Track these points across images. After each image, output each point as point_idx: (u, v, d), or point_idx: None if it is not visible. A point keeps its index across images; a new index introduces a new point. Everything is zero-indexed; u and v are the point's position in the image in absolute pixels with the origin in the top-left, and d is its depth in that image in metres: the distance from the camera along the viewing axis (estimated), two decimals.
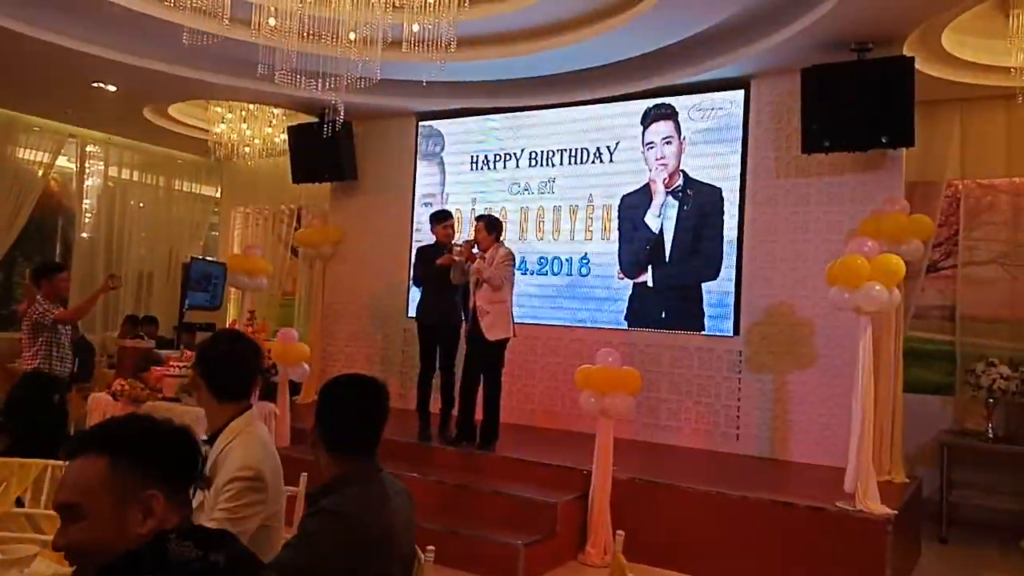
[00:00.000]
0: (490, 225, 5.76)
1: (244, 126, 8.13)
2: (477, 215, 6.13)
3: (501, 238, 5.90)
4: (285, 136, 8.25)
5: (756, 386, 6.09)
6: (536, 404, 7.02)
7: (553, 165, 7.11)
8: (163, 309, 9.15)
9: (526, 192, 7.23)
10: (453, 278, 5.80)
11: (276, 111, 8.16)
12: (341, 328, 8.07)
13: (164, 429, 1.27)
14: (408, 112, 7.75)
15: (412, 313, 7.12)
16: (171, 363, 5.89)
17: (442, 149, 7.75)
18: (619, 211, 6.76)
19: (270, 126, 8.27)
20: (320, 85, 5.24)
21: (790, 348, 5.96)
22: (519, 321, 6.23)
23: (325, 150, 7.73)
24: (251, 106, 7.99)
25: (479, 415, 5.77)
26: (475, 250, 5.72)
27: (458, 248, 5.76)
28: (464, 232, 7.22)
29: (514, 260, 5.83)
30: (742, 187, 6.22)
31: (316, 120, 7.74)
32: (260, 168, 9.26)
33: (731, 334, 6.22)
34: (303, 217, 9.09)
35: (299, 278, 9.08)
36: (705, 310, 6.33)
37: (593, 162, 6.92)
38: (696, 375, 6.34)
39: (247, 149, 8.36)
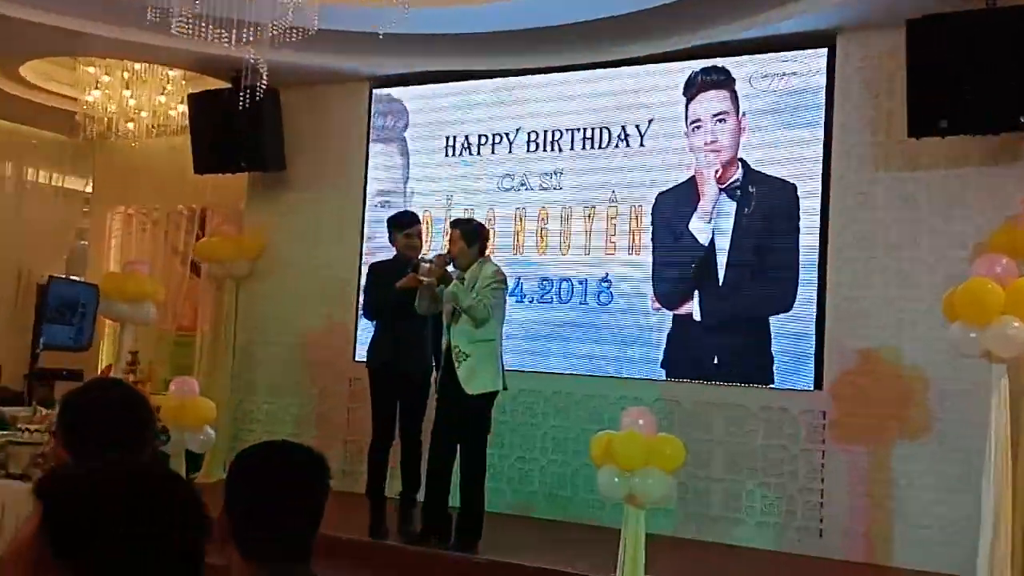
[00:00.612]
0: (470, 234, 5.77)
1: (127, 93, 8.14)
2: (453, 220, 6.13)
3: (487, 252, 5.90)
4: (184, 108, 8.26)
5: (846, 462, 6.08)
6: (536, 486, 6.97)
7: (561, 151, 7.13)
8: (8, 349, 9.07)
9: (523, 188, 7.24)
10: (419, 307, 5.79)
11: (172, 73, 8.18)
12: (261, 377, 8.02)
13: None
14: (358, 76, 7.77)
15: (361, 356, 7.08)
16: (20, 425, 5.85)
17: (405, 128, 7.77)
18: (653, 216, 6.77)
19: (163, 93, 8.28)
20: (234, 37, 5.26)
21: (894, 409, 5.96)
22: (512, 368, 6.19)
23: (240, 128, 7.75)
24: (137, 66, 8.01)
25: (454, 502, 5.75)
26: (451, 268, 5.72)
27: (427, 265, 5.75)
28: (435, 243, 7.21)
29: (505, 283, 5.82)
30: (825, 183, 6.25)
31: (228, 86, 7.76)
32: (149, 152, 9.23)
33: (811, 388, 6.22)
34: (208, 221, 9.10)
35: (202, 306, 9.06)
36: (774, 354, 6.33)
37: (617, 147, 6.94)
38: (762, 446, 6.31)
39: (130, 125, 8.36)
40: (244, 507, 2.19)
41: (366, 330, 7.12)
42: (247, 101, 7.00)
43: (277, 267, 8.15)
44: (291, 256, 8.07)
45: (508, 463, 7.02)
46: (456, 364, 5.63)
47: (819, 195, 6.27)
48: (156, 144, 9.01)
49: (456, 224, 5.95)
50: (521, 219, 7.23)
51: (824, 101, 6.29)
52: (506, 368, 5.88)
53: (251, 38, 5.39)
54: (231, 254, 8.13)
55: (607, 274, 6.90)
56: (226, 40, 5.34)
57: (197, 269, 9.12)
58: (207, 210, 9.17)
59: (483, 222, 6.26)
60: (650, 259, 6.77)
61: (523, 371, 6.84)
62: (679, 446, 5.16)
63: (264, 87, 6.50)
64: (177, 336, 9.29)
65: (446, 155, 7.58)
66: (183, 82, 8.26)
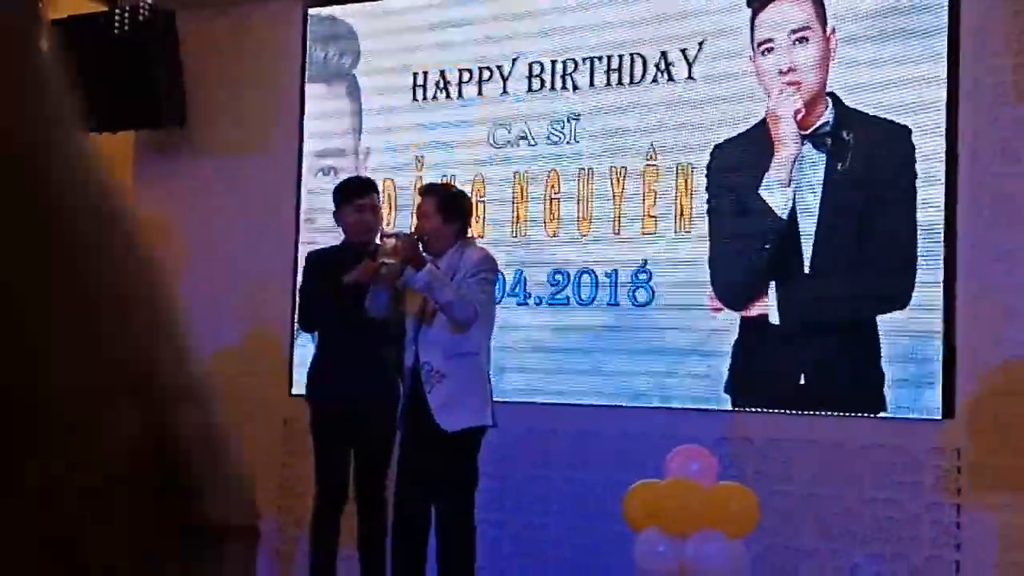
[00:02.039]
0: (449, 204, 5.84)
1: None
2: (424, 186, 6.16)
3: (469, 231, 5.96)
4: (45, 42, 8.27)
5: (992, 522, 6.06)
6: (549, 562, 6.98)
7: (577, 89, 7.16)
8: None
9: (524, 143, 7.28)
10: (372, 307, 5.86)
11: None
12: None
13: None
14: None
15: (299, 387, 7.10)
16: None
17: (355, 62, 7.83)
18: (709, 178, 6.80)
19: None
20: None
21: None
22: (512, 400, 6.21)
23: (121, 69, 7.79)
24: None
25: None
26: (421, 249, 5.77)
27: (390, 241, 5.77)
28: (401, 223, 7.23)
29: (496, 272, 5.89)
30: (951, 125, 6.25)
31: (102, 9, 7.81)
32: None
33: (938, 417, 6.22)
34: None
35: None
36: (885, 370, 6.34)
37: (655, 81, 6.97)
38: (871, 498, 6.31)
39: None
40: None
41: (307, 350, 7.13)
42: (129, 28, 7.05)
43: (177, 265, 8.13)
44: (197, 246, 8.09)
45: (510, 531, 7.01)
46: (426, 388, 5.68)
47: (943, 141, 6.27)
48: None
49: (429, 191, 6.00)
50: (522, 187, 7.26)
51: (947, 8, 6.29)
52: (501, 398, 5.93)
53: None
54: None
55: (645, 262, 6.92)
56: None
57: None
58: None
59: (463, 190, 6.29)
60: (706, 239, 6.79)
61: (529, 403, 6.86)
62: (751, 500, 5.18)
63: (151, 6, 6.54)
64: None
65: (414, 99, 7.63)
66: (39, 5, 8.32)
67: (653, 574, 5.31)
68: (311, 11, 7.95)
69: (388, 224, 7.00)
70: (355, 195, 6.24)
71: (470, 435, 5.71)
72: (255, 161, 8.03)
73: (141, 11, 6.56)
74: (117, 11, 6.76)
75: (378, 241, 6.03)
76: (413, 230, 5.98)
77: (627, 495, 5.33)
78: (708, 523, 5.11)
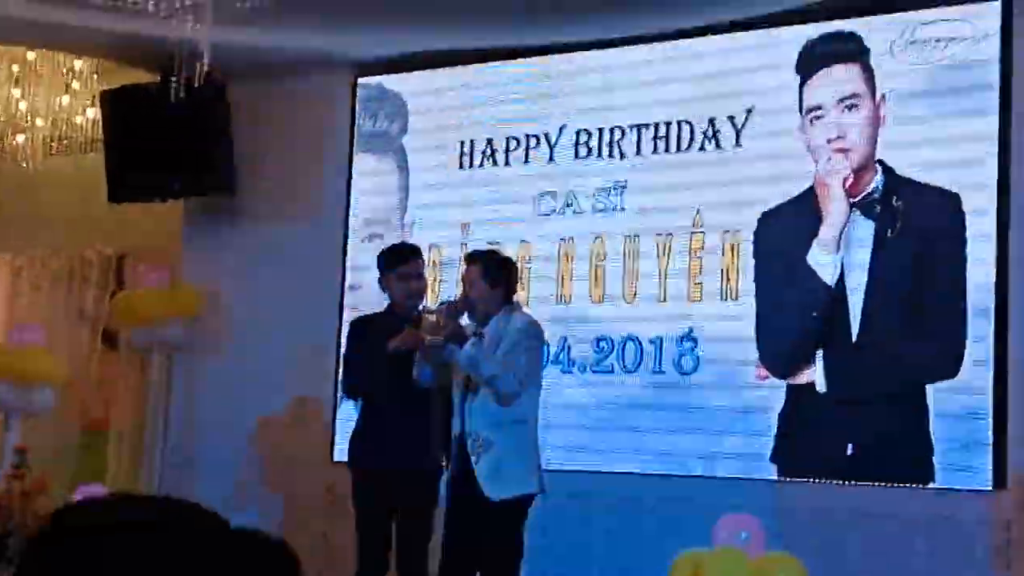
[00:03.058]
0: (494, 270, 5.82)
1: (15, 93, 8.28)
2: (469, 253, 6.16)
3: (514, 296, 5.92)
4: (95, 112, 8.37)
5: None
6: None
7: (623, 157, 7.18)
8: None
9: (570, 210, 7.29)
10: (419, 377, 5.83)
11: (78, 64, 8.32)
12: (201, 487, 7.97)
13: None
14: (336, 61, 7.89)
15: (341, 454, 7.07)
16: None
17: (403, 131, 7.87)
18: (756, 245, 6.78)
19: (66, 92, 8.42)
20: (163, 8, 5.36)
21: None
22: (553, 467, 6.15)
23: (173, 136, 7.86)
24: (30, 55, 8.16)
25: None
26: (465, 320, 5.77)
27: (432, 318, 5.76)
28: (446, 292, 7.22)
29: (542, 339, 5.84)
30: (1002, 193, 6.21)
31: (156, 80, 7.88)
32: (46, 175, 9.36)
33: (989, 487, 6.13)
34: (128, 271, 9.18)
35: (119, 391, 9.11)
36: (935, 440, 6.26)
37: (703, 149, 6.97)
38: (919, 571, 6.22)
39: (20, 139, 8.49)
40: None
41: (350, 417, 7.11)
42: (182, 98, 7.11)
43: (225, 331, 8.20)
44: (244, 315, 8.15)
45: None
46: (473, 458, 5.63)
47: (994, 210, 6.23)
48: (56, 164, 9.12)
49: (474, 258, 5.98)
50: (568, 254, 7.26)
51: (999, 76, 6.27)
52: (543, 466, 5.86)
53: (187, 8, 5.49)
54: (160, 314, 8.20)
55: (691, 330, 6.88)
56: (155, 12, 5.44)
57: (113, 339, 9.18)
58: (126, 256, 9.27)
59: (508, 256, 6.28)
60: (753, 308, 6.75)
61: (571, 471, 6.78)
62: (799, 570, 5.09)
63: (205, 77, 6.59)
64: (84, 432, 9.32)
65: (460, 167, 7.67)
66: (94, 76, 8.40)
67: None
68: (361, 80, 8.00)
69: (432, 294, 7.00)
70: (401, 261, 6.22)
71: (516, 503, 5.65)
72: (302, 229, 8.06)
73: (196, 82, 6.59)
74: (172, 80, 6.81)
75: (423, 308, 6.01)
76: (458, 298, 5.96)
77: (674, 564, 5.23)
78: None
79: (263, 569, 1.58)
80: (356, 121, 8.00)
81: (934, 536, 6.23)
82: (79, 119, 8.43)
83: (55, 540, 1.39)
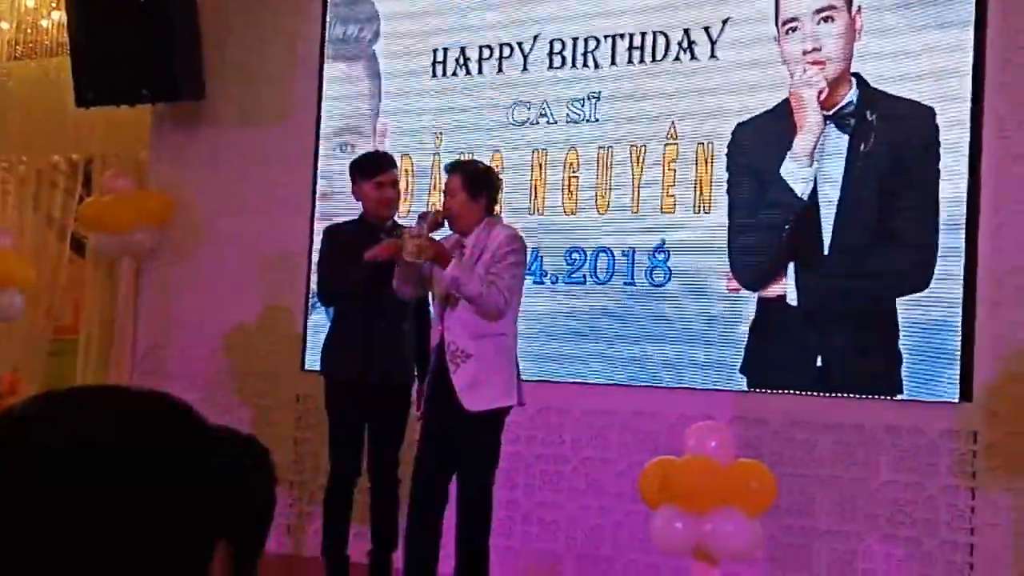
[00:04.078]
0: (477, 181, 5.77)
1: None
2: (451, 163, 6.12)
3: (496, 208, 5.89)
4: (60, 15, 8.23)
5: (1008, 506, 6.03)
6: (564, 543, 6.97)
7: (597, 67, 7.13)
8: None
9: (543, 121, 7.25)
10: (399, 288, 5.78)
11: None
12: (173, 393, 8.01)
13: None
14: None
15: (314, 362, 7.07)
16: None
17: (375, 38, 7.79)
18: (730, 157, 6.77)
19: None
20: None
21: None
22: (527, 378, 6.15)
23: (140, 40, 7.77)
24: None
25: (446, 567, 5.77)
26: (447, 227, 5.73)
27: (413, 240, 5.64)
28: (418, 203, 7.21)
29: (525, 251, 5.83)
30: (976, 107, 6.21)
31: None
32: (10, 81, 9.26)
33: (956, 400, 6.18)
34: (96, 176, 9.13)
35: (88, 297, 9.09)
36: (904, 353, 6.31)
37: (677, 59, 6.93)
38: (887, 483, 6.29)
39: None
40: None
41: (320, 326, 7.11)
42: (149, 2, 7.00)
43: (193, 238, 8.17)
44: (213, 222, 8.11)
45: (523, 511, 6.99)
46: (451, 368, 5.62)
47: (968, 124, 6.22)
48: (21, 69, 8.99)
49: (456, 168, 5.90)
50: (540, 165, 7.24)
51: None
52: (523, 375, 5.87)
53: None
54: (129, 220, 8.14)
55: (663, 242, 6.89)
56: None
57: (81, 246, 9.17)
58: (94, 161, 9.20)
59: (490, 166, 6.26)
60: (725, 220, 6.76)
61: (544, 381, 6.81)
62: (768, 477, 5.15)
63: None
64: (54, 339, 9.33)
65: (433, 75, 7.60)
66: None
67: (670, 551, 5.27)
68: None
69: (404, 203, 6.97)
70: (376, 170, 6.20)
71: (493, 415, 5.66)
72: (272, 135, 8.00)
73: None
74: None
75: (401, 235, 5.92)
76: (439, 208, 5.91)
77: (644, 472, 5.28)
78: (725, 500, 5.06)
79: (234, 460, 1.56)
80: (327, 27, 7.92)
81: (900, 447, 6.29)
82: (44, 22, 8.31)
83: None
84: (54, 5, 8.30)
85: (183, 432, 1.29)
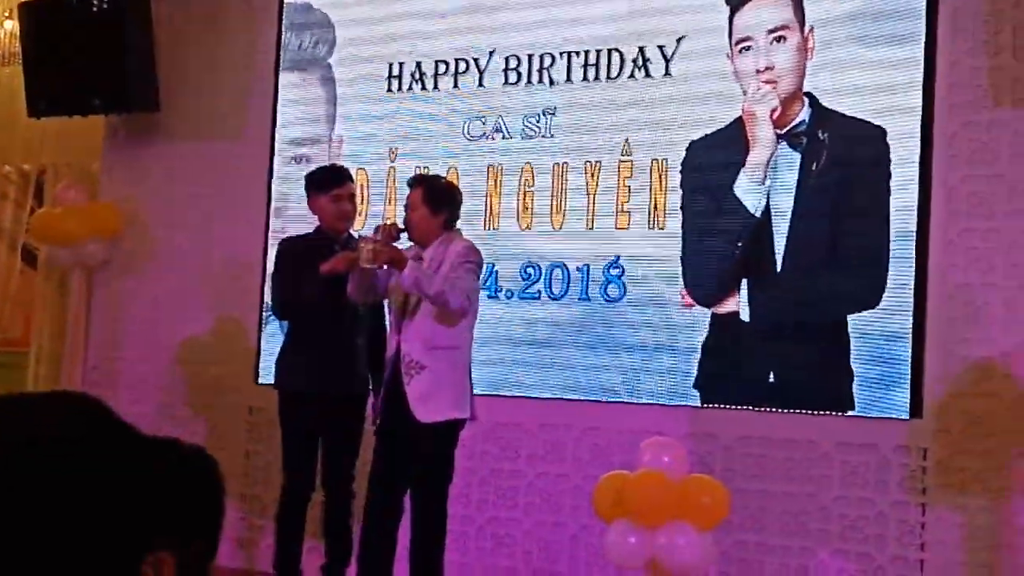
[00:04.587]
0: (438, 195, 5.82)
1: None
2: (413, 176, 6.13)
3: (455, 222, 5.92)
4: (12, 25, 8.17)
5: (957, 522, 6.06)
6: (519, 558, 6.97)
7: (553, 84, 7.14)
8: None
9: (498, 136, 7.27)
10: (354, 292, 5.78)
11: None
12: (124, 409, 7.71)
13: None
14: None
15: (267, 376, 7.05)
16: None
17: (330, 51, 7.79)
18: (683, 174, 6.79)
19: None
20: None
21: None
22: (481, 392, 6.17)
23: (93, 50, 7.74)
24: None
25: None
26: (404, 240, 5.76)
27: (368, 245, 5.65)
28: (373, 218, 7.20)
29: (481, 263, 5.87)
30: (926, 126, 6.25)
31: None
32: None
33: (906, 416, 6.22)
34: (48, 187, 9.07)
35: (38, 310, 9.05)
36: (855, 369, 6.34)
37: (632, 77, 6.95)
38: (838, 498, 6.31)
39: None
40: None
41: (274, 339, 7.09)
42: (103, 11, 6.96)
43: (146, 250, 8.13)
44: (167, 233, 8.07)
45: (477, 525, 6.98)
46: (405, 380, 5.63)
47: (918, 142, 6.27)
48: None
49: (419, 182, 5.92)
50: (496, 179, 7.25)
51: (925, 6, 6.29)
52: (475, 390, 5.88)
53: None
54: (80, 232, 8.10)
55: (617, 257, 6.90)
56: None
57: (32, 257, 9.09)
58: (45, 172, 9.14)
59: (450, 180, 6.29)
60: (679, 236, 6.77)
61: (498, 395, 6.81)
62: (721, 492, 5.17)
63: None
64: (2, 352, 9.29)
65: (388, 89, 7.60)
66: None
67: (624, 565, 5.28)
68: None
69: (359, 219, 6.97)
70: (332, 184, 6.20)
71: (446, 427, 5.67)
72: (227, 148, 7.97)
73: None
74: None
75: (356, 244, 5.92)
76: (392, 222, 5.94)
77: (597, 486, 5.30)
78: (678, 515, 5.08)
79: (180, 472, 1.56)
80: (282, 40, 7.90)
81: (852, 463, 6.31)
82: None
83: None
84: (7, 15, 8.25)
85: (118, 432, 1.30)
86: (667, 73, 6.88)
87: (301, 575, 6.17)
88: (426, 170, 7.04)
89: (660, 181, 6.84)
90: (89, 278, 8.25)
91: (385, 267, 5.69)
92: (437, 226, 5.74)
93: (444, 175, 6.68)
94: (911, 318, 6.24)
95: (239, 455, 7.66)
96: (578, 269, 6.99)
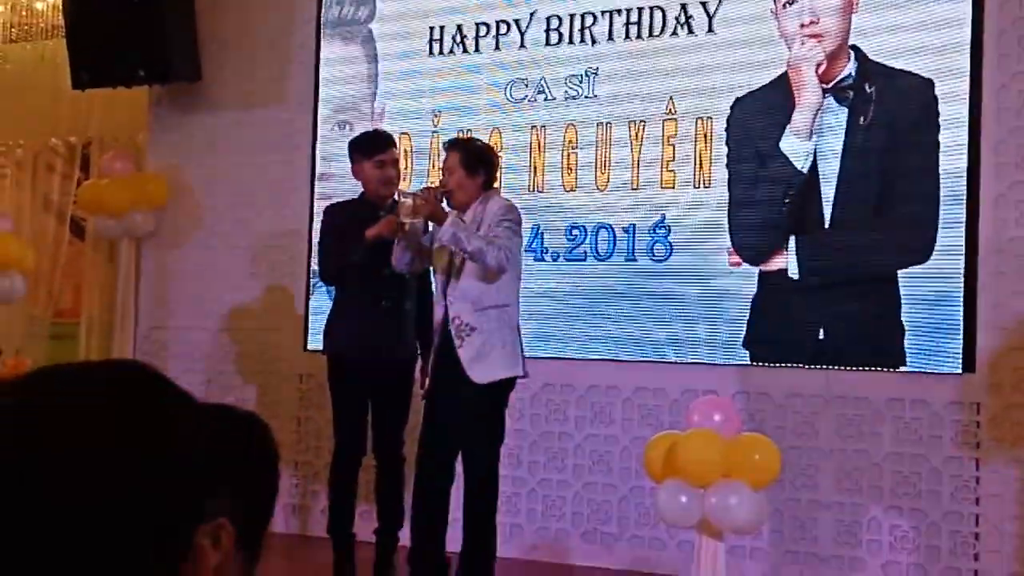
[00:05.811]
0: (475, 158, 5.76)
1: None
2: (449, 140, 6.11)
3: (494, 183, 5.89)
4: None
5: (1012, 476, 6.04)
6: (569, 520, 6.98)
7: (595, 43, 7.11)
8: None
9: (541, 98, 7.24)
10: (397, 263, 5.79)
11: None
12: (173, 377, 7.91)
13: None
14: None
15: (316, 342, 7.07)
16: None
17: (371, 17, 7.77)
18: (729, 132, 6.76)
19: None
20: None
21: None
22: (529, 355, 6.16)
23: (136, 21, 7.75)
24: None
25: (453, 544, 5.76)
26: (444, 204, 5.71)
27: (408, 202, 5.68)
28: (417, 181, 7.18)
29: (520, 220, 5.81)
30: (975, 79, 6.19)
31: None
32: (7, 65, 9.24)
33: (959, 371, 6.18)
34: (94, 159, 9.12)
35: (88, 281, 9.09)
36: (906, 325, 6.30)
37: (675, 35, 6.92)
38: (890, 455, 6.29)
39: None
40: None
41: (322, 307, 7.10)
42: None
43: (193, 219, 8.18)
44: (212, 203, 8.10)
45: (528, 489, 7.00)
46: (457, 342, 5.62)
47: (967, 96, 6.20)
48: (17, 52, 8.95)
49: (453, 145, 5.90)
50: (539, 143, 7.22)
51: None
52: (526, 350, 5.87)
53: None
54: (127, 203, 8.14)
55: (663, 218, 6.88)
56: None
57: (80, 229, 9.16)
58: (92, 144, 9.19)
59: (488, 144, 6.24)
60: (725, 194, 6.74)
61: (544, 358, 6.80)
62: (773, 451, 5.13)
63: None
64: (54, 323, 9.33)
65: (430, 54, 7.58)
66: None
67: (675, 525, 5.26)
68: None
69: (403, 183, 6.97)
70: (375, 150, 6.18)
71: (500, 387, 5.66)
72: (270, 116, 7.99)
73: None
74: None
75: (397, 198, 5.93)
76: (437, 183, 5.93)
77: (648, 446, 5.26)
78: (730, 474, 5.04)
79: (235, 436, 1.56)
80: (323, 6, 7.89)
81: (904, 419, 6.29)
82: (39, 4, 8.29)
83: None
84: None
85: (173, 399, 1.28)
86: (710, 30, 6.83)
87: (354, 538, 6.17)
88: (469, 134, 7.04)
89: (705, 139, 6.81)
90: (137, 248, 8.32)
91: (423, 225, 5.70)
92: (475, 188, 5.71)
93: (481, 139, 6.64)
94: (962, 272, 6.20)
95: (291, 422, 7.72)
96: (624, 230, 6.98)
